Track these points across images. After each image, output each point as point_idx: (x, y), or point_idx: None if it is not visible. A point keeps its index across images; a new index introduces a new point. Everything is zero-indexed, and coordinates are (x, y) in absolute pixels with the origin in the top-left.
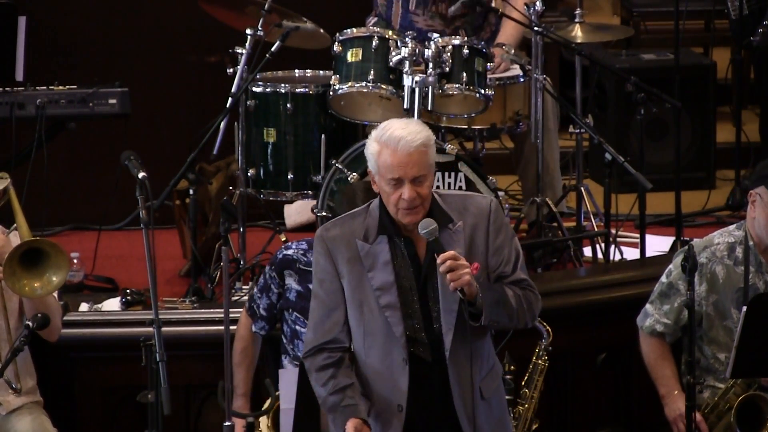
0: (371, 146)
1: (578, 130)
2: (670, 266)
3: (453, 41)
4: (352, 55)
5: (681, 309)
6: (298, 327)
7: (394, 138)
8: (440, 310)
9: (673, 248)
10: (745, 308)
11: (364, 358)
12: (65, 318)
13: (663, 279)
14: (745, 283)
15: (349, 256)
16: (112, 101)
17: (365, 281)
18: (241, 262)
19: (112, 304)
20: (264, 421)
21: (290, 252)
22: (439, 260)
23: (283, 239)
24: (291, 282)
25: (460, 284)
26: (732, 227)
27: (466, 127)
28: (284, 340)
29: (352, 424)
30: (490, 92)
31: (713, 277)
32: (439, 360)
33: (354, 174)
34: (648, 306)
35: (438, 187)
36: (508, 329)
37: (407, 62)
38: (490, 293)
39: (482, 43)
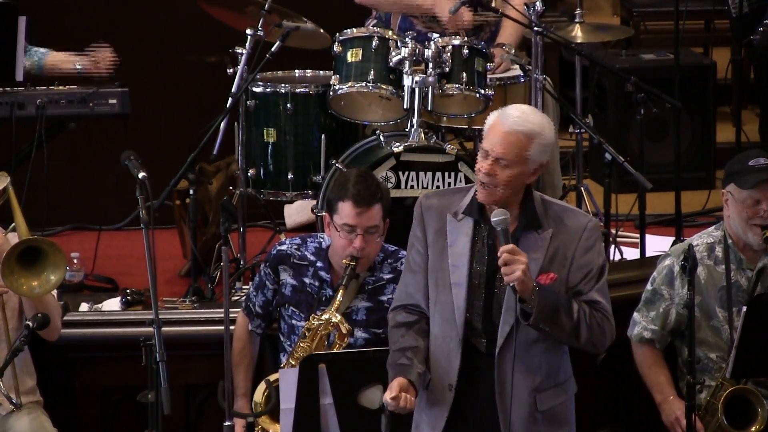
0: (492, 115)
1: (578, 130)
2: (654, 273)
3: (453, 41)
4: (352, 55)
5: (666, 314)
6: (294, 321)
7: (505, 113)
8: (502, 306)
9: None
10: (744, 308)
11: (431, 329)
12: (65, 318)
13: (648, 286)
14: (727, 281)
15: (438, 227)
16: (112, 101)
17: (445, 254)
18: (241, 262)
19: (112, 304)
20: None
21: (284, 247)
22: (498, 252)
23: (283, 239)
24: (286, 277)
25: (511, 279)
26: (711, 228)
27: (466, 127)
28: (281, 338)
29: (397, 382)
30: (490, 92)
31: (695, 279)
32: (492, 354)
33: None
34: (635, 314)
35: (437, 186)
36: (568, 343)
37: (407, 62)
38: (550, 298)
39: (482, 43)
